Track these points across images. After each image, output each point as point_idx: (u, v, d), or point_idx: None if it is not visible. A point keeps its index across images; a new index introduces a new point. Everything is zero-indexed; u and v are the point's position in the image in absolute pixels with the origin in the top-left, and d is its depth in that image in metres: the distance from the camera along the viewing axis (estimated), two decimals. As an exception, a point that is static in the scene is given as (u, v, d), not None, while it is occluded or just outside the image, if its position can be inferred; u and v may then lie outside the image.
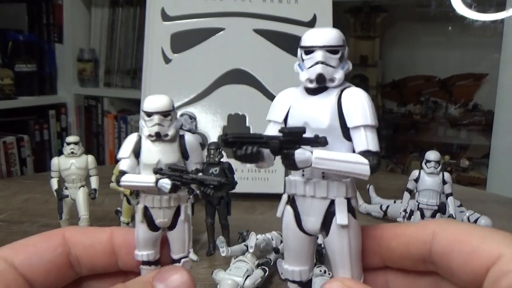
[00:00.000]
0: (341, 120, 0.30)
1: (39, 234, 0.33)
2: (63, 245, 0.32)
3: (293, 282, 0.33)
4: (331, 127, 0.30)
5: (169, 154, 0.32)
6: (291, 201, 0.31)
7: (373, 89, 2.19)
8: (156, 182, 0.31)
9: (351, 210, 0.30)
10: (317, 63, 0.30)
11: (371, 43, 2.16)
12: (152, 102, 0.32)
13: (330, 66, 0.30)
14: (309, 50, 0.31)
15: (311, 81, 0.30)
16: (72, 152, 0.73)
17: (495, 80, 1.68)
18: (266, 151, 0.29)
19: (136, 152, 0.32)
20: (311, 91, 0.31)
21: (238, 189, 0.73)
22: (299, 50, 0.32)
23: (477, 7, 1.78)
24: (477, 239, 0.27)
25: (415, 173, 0.72)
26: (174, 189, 0.31)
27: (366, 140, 0.29)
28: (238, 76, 1.04)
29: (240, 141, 0.28)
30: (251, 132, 1.01)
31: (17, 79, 2.06)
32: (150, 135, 0.32)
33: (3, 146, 1.99)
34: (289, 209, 0.31)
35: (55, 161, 0.74)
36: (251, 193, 0.95)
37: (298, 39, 0.33)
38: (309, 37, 0.31)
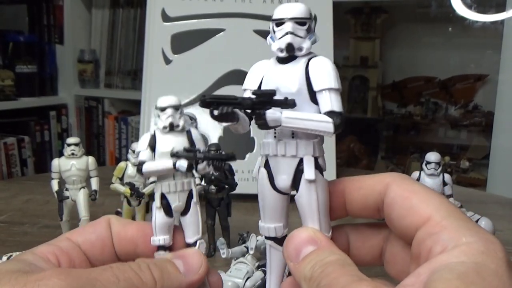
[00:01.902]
0: (308, 85, 0.32)
1: (90, 222, 0.40)
2: (109, 226, 0.37)
3: (270, 238, 0.35)
4: (300, 91, 0.32)
5: (180, 142, 0.37)
6: (265, 163, 0.34)
7: (374, 90, 2.19)
8: (174, 164, 0.36)
9: (319, 168, 0.33)
10: (287, 33, 0.32)
11: (372, 44, 2.15)
12: (165, 99, 0.38)
13: (298, 36, 0.32)
14: (279, 22, 0.33)
15: (281, 50, 0.33)
16: (73, 154, 0.73)
17: (495, 81, 1.69)
18: (242, 114, 0.32)
19: (151, 145, 0.37)
20: (282, 60, 0.33)
21: (238, 190, 0.75)
22: (270, 24, 0.34)
23: (477, 8, 1.78)
24: (417, 199, 0.30)
25: (415, 174, 0.72)
26: (190, 168, 0.36)
27: (330, 101, 0.31)
28: (238, 77, 1.04)
29: (217, 101, 0.31)
30: (251, 131, 1.02)
31: (17, 80, 2.07)
32: (164, 127, 0.37)
33: (3, 147, 2.00)
34: (263, 170, 0.34)
35: (56, 163, 0.74)
36: (252, 194, 0.94)
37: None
38: (280, 11, 0.33)
